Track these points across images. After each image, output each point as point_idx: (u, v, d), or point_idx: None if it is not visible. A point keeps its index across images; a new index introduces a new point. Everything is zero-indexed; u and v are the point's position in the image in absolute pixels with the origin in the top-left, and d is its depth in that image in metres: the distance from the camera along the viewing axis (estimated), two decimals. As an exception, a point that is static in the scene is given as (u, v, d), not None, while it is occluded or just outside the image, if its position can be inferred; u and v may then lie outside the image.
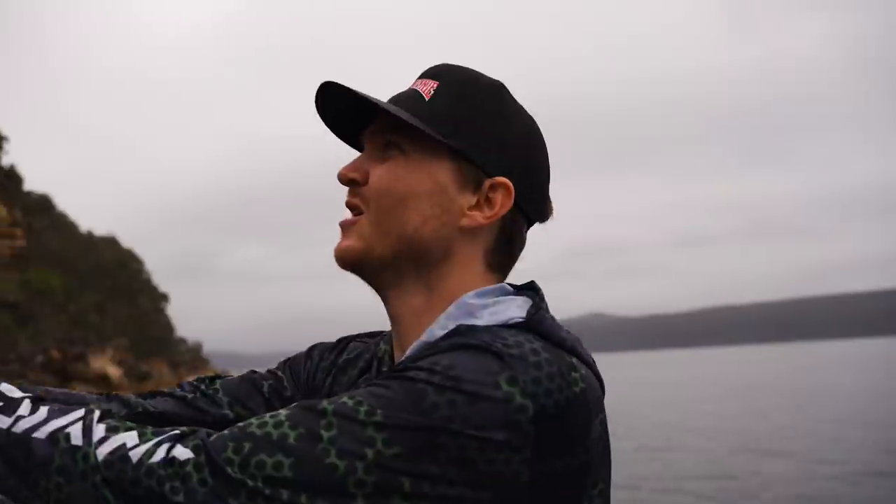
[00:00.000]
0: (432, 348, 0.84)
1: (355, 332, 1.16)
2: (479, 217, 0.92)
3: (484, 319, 0.88)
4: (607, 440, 0.87)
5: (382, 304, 0.98)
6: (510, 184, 0.91)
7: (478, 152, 0.91)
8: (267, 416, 0.80)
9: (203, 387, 1.08)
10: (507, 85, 0.98)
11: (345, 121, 1.00)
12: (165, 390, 1.08)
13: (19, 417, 0.83)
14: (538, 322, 0.87)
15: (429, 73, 0.96)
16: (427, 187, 0.91)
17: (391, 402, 0.77)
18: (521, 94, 1.00)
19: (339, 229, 0.96)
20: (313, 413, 0.78)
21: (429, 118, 0.91)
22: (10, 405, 0.84)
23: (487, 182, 0.91)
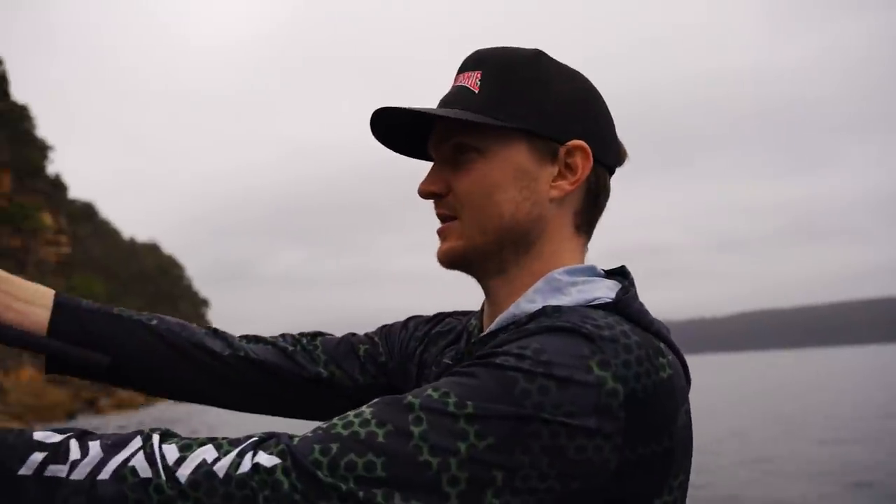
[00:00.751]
0: (518, 329, 0.83)
1: None
2: (565, 185, 0.92)
3: (571, 297, 0.88)
4: (691, 430, 0.85)
5: (484, 293, 0.99)
6: (584, 144, 0.91)
7: (543, 125, 0.91)
8: (351, 415, 0.78)
9: (304, 341, 1.11)
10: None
11: (399, 135, 1.01)
12: (268, 338, 1.11)
13: (74, 463, 0.77)
14: (626, 304, 0.86)
15: (469, 65, 0.96)
16: (509, 175, 0.91)
17: (480, 391, 0.75)
18: None
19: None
20: (400, 408, 0.76)
21: (485, 109, 0.91)
22: (58, 452, 0.77)
23: (562, 149, 0.92)
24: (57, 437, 0.79)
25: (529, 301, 0.90)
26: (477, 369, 0.78)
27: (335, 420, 0.78)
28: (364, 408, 0.79)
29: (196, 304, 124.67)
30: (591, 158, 0.92)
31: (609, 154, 0.96)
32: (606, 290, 0.89)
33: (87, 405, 42.32)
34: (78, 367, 1.02)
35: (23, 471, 0.76)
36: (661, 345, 0.83)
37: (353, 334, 1.15)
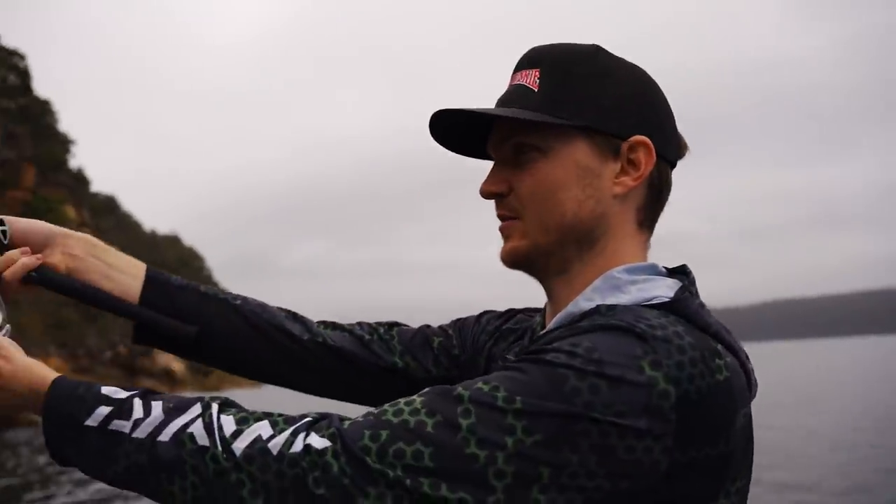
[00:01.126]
0: (571, 327, 0.83)
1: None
2: (628, 181, 0.91)
3: (630, 295, 0.87)
4: (751, 434, 0.85)
5: (545, 292, 0.99)
6: (647, 139, 0.91)
7: (604, 121, 0.90)
8: (402, 403, 0.79)
9: (381, 331, 1.12)
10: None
11: (456, 136, 1.01)
12: (346, 325, 1.12)
13: (137, 421, 0.82)
14: (683, 304, 0.85)
15: (525, 63, 0.95)
16: (572, 173, 0.90)
17: (530, 387, 0.75)
18: None
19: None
20: (450, 399, 0.77)
21: (545, 107, 0.90)
22: (123, 408, 0.83)
23: (624, 145, 0.91)
24: (123, 394, 0.85)
25: (587, 300, 0.90)
26: (528, 365, 0.78)
27: (386, 406, 0.79)
28: (416, 396, 0.79)
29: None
30: (654, 153, 0.91)
31: (670, 148, 0.95)
32: (665, 289, 0.87)
33: (111, 396, 42.91)
34: (166, 338, 1.06)
35: (89, 422, 0.82)
36: (719, 346, 0.82)
37: (428, 326, 1.17)
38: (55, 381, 0.88)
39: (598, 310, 0.86)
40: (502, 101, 0.95)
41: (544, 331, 0.92)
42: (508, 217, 0.95)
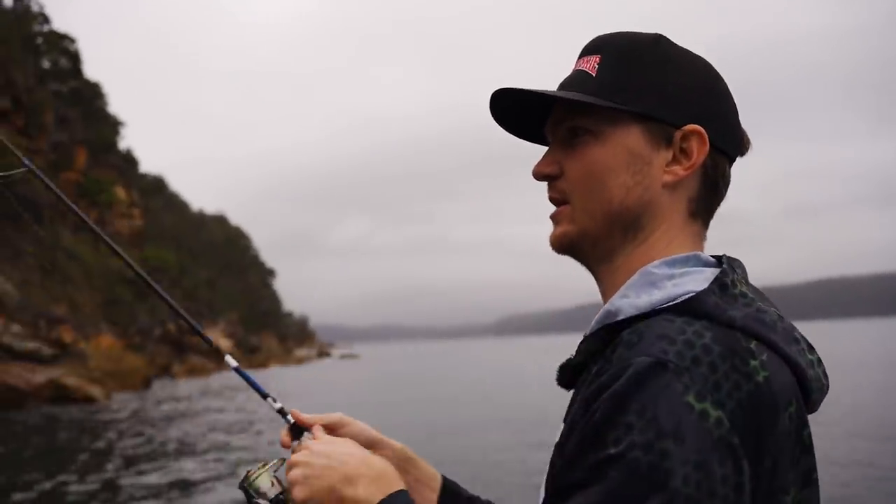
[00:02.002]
0: (609, 391, 0.78)
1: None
2: (679, 170, 0.91)
3: (664, 291, 0.85)
4: (799, 434, 0.81)
5: (595, 281, 0.97)
6: (701, 128, 0.90)
7: (659, 108, 0.90)
8: None
9: None
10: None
11: (513, 116, 1.01)
12: None
13: None
14: (702, 301, 0.83)
15: (588, 50, 0.96)
16: (623, 159, 0.90)
17: (614, 496, 0.73)
18: None
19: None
20: None
21: (601, 92, 0.91)
22: None
23: (678, 134, 0.90)
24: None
25: (622, 297, 0.88)
26: (598, 469, 0.75)
27: None
28: None
29: (263, 274, 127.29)
30: (707, 143, 0.90)
31: (729, 141, 0.93)
32: (701, 282, 0.85)
33: (162, 371, 43.92)
34: None
35: None
36: (753, 344, 0.80)
37: None
38: (399, 493, 0.94)
39: (622, 339, 0.82)
40: (563, 86, 0.95)
41: (588, 332, 0.92)
42: (558, 200, 0.95)
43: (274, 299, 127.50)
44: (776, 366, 0.80)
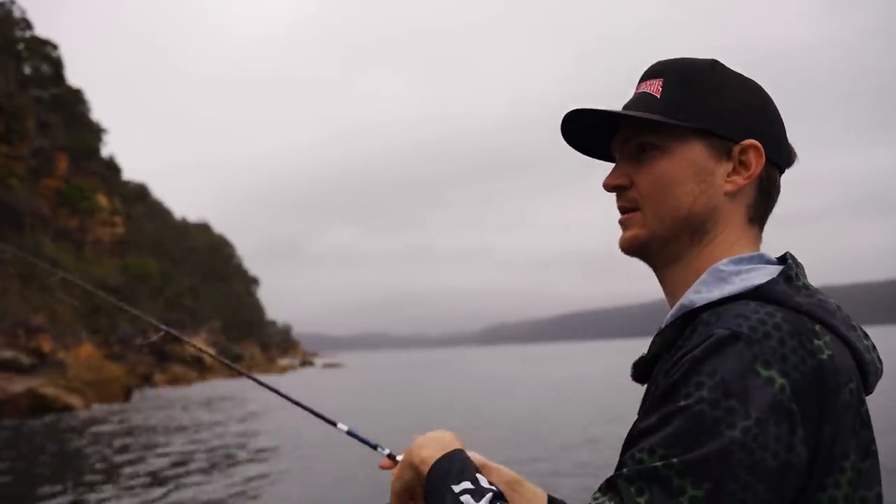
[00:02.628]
0: (688, 355, 0.88)
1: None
2: (739, 180, 1.01)
3: (734, 285, 0.96)
4: (858, 408, 0.89)
5: (659, 282, 1.08)
6: (757, 143, 1.01)
7: (719, 125, 1.01)
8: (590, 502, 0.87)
9: None
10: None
11: (578, 134, 1.12)
12: None
13: None
14: (771, 288, 0.93)
15: (650, 74, 1.07)
16: (689, 171, 1.01)
17: (681, 440, 0.83)
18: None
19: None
20: (621, 488, 0.84)
21: (667, 111, 1.01)
22: (479, 492, 0.99)
23: (737, 148, 1.01)
24: (485, 483, 1.01)
25: (695, 292, 0.98)
26: (672, 417, 0.85)
27: None
28: (596, 495, 0.88)
29: (246, 283, 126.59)
30: (764, 156, 1.01)
31: (780, 154, 1.05)
32: (766, 277, 0.95)
33: (143, 380, 43.49)
34: None
35: (455, 487, 1.01)
36: (817, 326, 0.90)
37: None
38: (450, 452, 1.07)
39: (701, 319, 0.93)
40: (628, 107, 1.06)
41: (663, 325, 1.02)
42: (628, 209, 1.06)
43: (257, 308, 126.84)
44: (838, 348, 0.89)
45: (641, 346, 1.10)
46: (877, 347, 0.99)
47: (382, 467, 1.29)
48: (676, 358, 0.90)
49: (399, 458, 1.23)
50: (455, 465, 1.04)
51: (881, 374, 0.98)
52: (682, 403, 0.85)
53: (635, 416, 1.06)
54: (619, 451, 1.03)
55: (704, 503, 0.81)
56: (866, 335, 0.97)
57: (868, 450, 0.90)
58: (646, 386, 1.04)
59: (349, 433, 1.43)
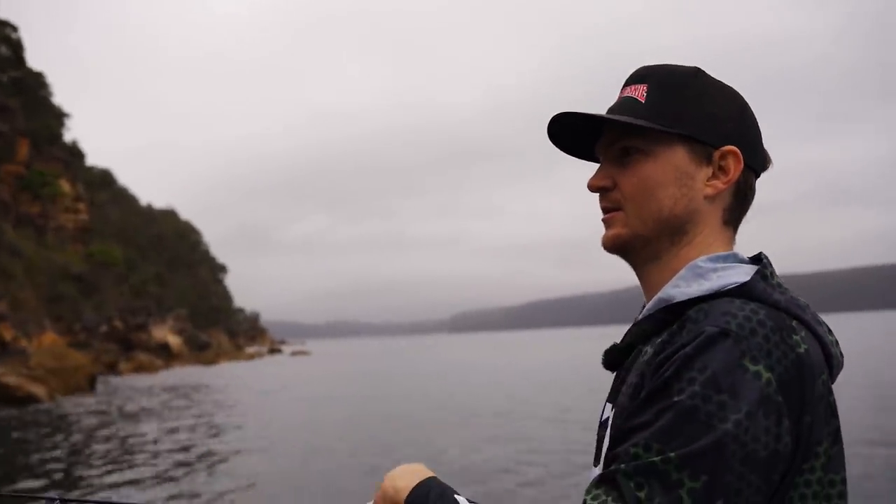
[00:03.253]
0: (679, 352, 0.92)
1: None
2: (718, 184, 1.06)
3: (711, 282, 1.00)
4: (830, 400, 0.95)
5: (638, 278, 1.12)
6: (736, 149, 1.05)
7: (701, 131, 1.05)
8: (585, 498, 0.90)
9: None
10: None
11: (563, 136, 1.17)
12: None
13: None
14: (752, 286, 0.98)
15: (635, 79, 1.11)
16: (671, 174, 1.05)
17: (676, 435, 0.87)
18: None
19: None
20: (618, 483, 0.87)
21: (651, 116, 1.05)
22: None
23: (717, 153, 1.06)
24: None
25: (674, 287, 1.03)
26: (664, 412, 0.89)
27: (584, 500, 0.90)
28: (591, 490, 0.90)
29: (214, 270, 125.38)
30: (742, 162, 1.05)
31: (756, 158, 1.09)
32: (742, 275, 1.00)
33: (108, 368, 42.95)
34: None
35: None
36: (794, 322, 0.95)
37: None
38: (424, 480, 1.08)
39: (689, 316, 0.97)
40: (612, 111, 1.09)
41: (640, 317, 1.07)
42: (611, 209, 1.10)
43: (225, 295, 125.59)
44: (811, 342, 0.95)
45: (610, 333, 1.12)
46: (838, 341, 1.04)
47: None
48: (667, 354, 0.93)
49: None
50: (433, 490, 1.06)
51: (842, 366, 1.04)
52: (676, 399, 0.88)
53: (603, 402, 1.10)
54: (596, 440, 1.08)
55: (702, 494, 0.84)
56: (830, 330, 1.03)
57: (836, 436, 0.95)
58: (615, 374, 1.09)
59: None
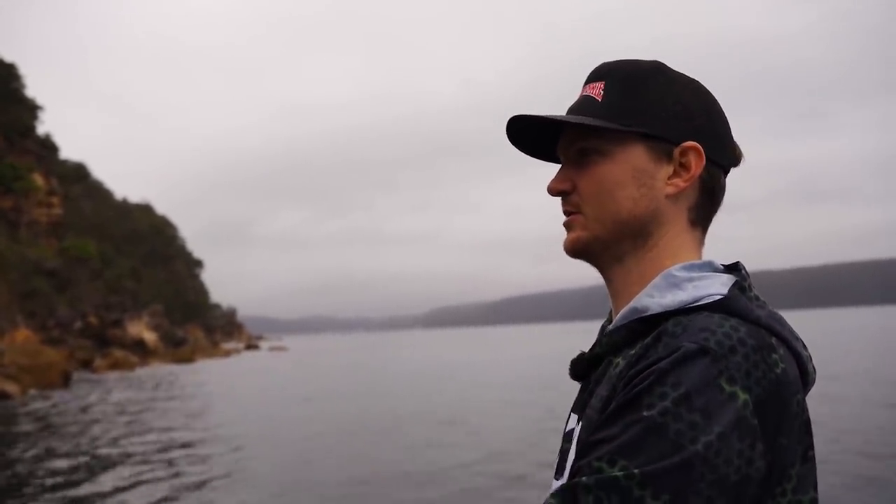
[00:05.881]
0: (654, 367, 0.88)
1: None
2: (679, 182, 1.01)
3: (687, 293, 0.95)
4: (802, 417, 0.91)
5: (605, 282, 1.08)
6: (697, 145, 1.00)
7: (660, 128, 1.01)
8: None
9: None
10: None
11: (525, 137, 1.12)
12: None
13: None
14: (733, 301, 0.93)
15: (593, 77, 1.07)
16: (629, 175, 1.01)
17: (642, 451, 0.82)
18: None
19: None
20: (580, 497, 0.83)
21: (607, 116, 1.01)
22: None
23: (677, 150, 1.01)
24: None
25: (648, 296, 0.98)
26: (632, 426, 0.84)
27: None
28: (549, 500, 0.87)
29: (190, 265, 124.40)
30: (704, 157, 1.01)
31: (723, 154, 1.04)
32: (720, 286, 0.95)
33: (83, 365, 42.47)
34: None
35: None
36: (773, 340, 0.91)
37: None
38: None
39: (665, 330, 0.91)
40: (571, 110, 1.06)
41: (611, 328, 1.01)
42: (571, 212, 1.06)
43: (201, 291, 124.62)
44: (789, 360, 0.91)
45: (582, 328, 1.12)
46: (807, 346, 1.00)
47: None
48: (641, 367, 0.89)
49: None
50: None
51: (814, 382, 1.00)
52: (645, 413, 0.84)
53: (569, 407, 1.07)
54: (559, 452, 1.03)
55: None
56: (804, 345, 0.98)
57: (806, 455, 0.91)
58: (581, 385, 1.05)
59: None
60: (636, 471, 0.81)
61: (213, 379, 36.19)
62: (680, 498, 0.80)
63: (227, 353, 71.32)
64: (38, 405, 23.51)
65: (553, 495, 0.87)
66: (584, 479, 0.84)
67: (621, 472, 0.82)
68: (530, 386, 23.52)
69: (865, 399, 16.86)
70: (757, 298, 0.97)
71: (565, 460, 1.00)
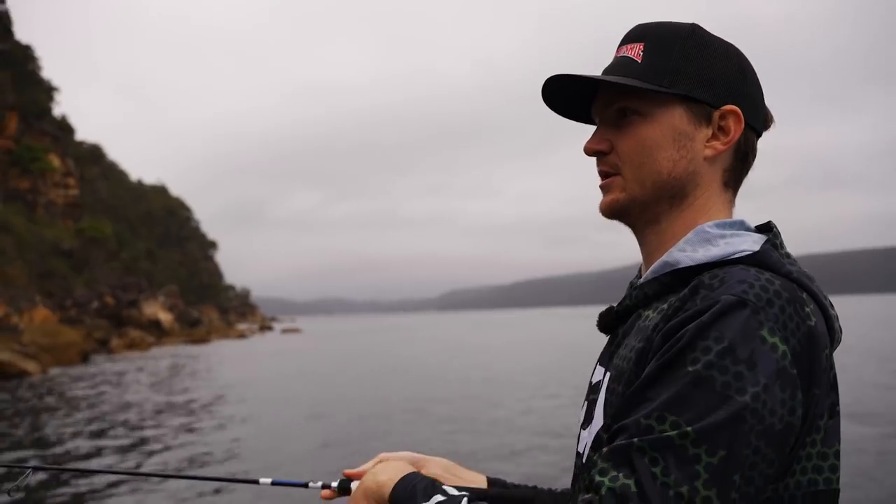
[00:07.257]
0: (696, 319, 0.88)
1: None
2: (718, 145, 1.03)
3: (719, 248, 0.97)
4: (830, 372, 0.93)
5: (637, 242, 1.10)
6: (737, 109, 1.02)
7: (700, 91, 1.01)
8: (596, 476, 0.85)
9: None
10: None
11: (561, 99, 1.12)
12: None
13: None
14: (765, 256, 0.95)
15: (631, 38, 1.07)
16: (669, 136, 1.02)
17: (691, 406, 0.83)
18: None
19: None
20: (633, 457, 0.83)
21: (647, 77, 1.01)
22: (452, 500, 1.00)
23: (717, 113, 1.02)
24: (455, 492, 1.01)
25: (680, 250, 1.00)
26: (679, 382, 0.85)
27: (593, 476, 0.86)
28: (601, 464, 0.86)
29: (204, 247, 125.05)
30: (743, 122, 1.02)
31: (758, 118, 1.06)
32: (752, 244, 0.97)
33: (100, 345, 42.90)
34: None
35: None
36: (804, 294, 0.93)
37: None
38: (408, 474, 1.08)
39: (702, 283, 0.92)
40: (608, 71, 1.05)
41: (643, 280, 1.04)
42: (609, 173, 1.06)
43: (215, 272, 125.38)
44: (819, 315, 0.93)
45: (596, 313, 1.12)
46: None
47: (323, 497, 1.26)
48: (680, 320, 0.90)
49: (333, 484, 1.24)
50: (419, 483, 1.04)
51: (840, 341, 1.02)
52: (690, 368, 0.85)
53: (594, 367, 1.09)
54: (586, 403, 1.05)
55: (719, 469, 0.81)
56: (832, 304, 1.00)
57: (833, 410, 0.93)
58: (608, 337, 1.07)
59: (274, 483, 1.33)
60: (689, 428, 0.82)
61: (227, 359, 36.45)
62: (734, 451, 0.82)
63: (242, 334, 71.76)
64: (59, 382, 23.79)
65: (604, 458, 0.86)
66: (635, 439, 0.84)
67: (675, 431, 0.82)
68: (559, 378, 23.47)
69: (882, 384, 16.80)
70: (788, 256, 0.98)
71: (592, 410, 1.02)
